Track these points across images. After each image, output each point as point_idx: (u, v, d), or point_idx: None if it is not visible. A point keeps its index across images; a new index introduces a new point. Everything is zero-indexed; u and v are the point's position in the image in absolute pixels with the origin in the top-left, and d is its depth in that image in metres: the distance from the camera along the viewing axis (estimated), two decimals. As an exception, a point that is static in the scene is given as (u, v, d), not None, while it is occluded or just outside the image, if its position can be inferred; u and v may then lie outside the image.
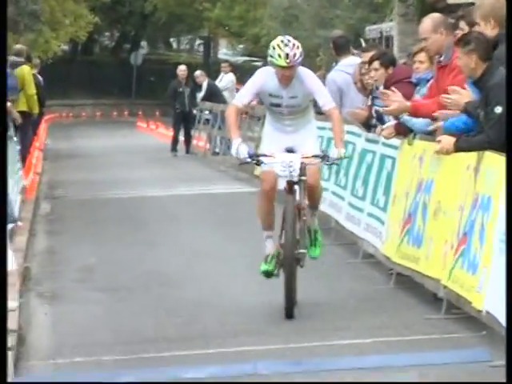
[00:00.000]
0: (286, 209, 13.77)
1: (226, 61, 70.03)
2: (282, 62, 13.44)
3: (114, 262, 23.44)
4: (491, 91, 16.31)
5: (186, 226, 28.01)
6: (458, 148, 16.97)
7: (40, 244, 25.57)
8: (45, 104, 39.94)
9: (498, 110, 15.98)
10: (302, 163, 13.93)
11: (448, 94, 17.98)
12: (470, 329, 16.10)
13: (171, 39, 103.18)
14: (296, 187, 14.10)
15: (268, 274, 14.82)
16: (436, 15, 20.39)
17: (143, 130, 63.67)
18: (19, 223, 19.95)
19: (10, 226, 17.05)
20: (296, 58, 13.43)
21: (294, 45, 13.62)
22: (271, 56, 13.82)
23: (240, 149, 13.44)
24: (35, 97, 37.45)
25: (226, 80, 54.44)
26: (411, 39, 40.45)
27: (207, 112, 50.59)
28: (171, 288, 20.21)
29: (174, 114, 50.89)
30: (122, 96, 78.73)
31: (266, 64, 40.71)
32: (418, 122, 19.74)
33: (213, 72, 57.35)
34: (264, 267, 14.61)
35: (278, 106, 14.17)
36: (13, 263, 18.00)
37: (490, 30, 17.37)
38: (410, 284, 18.93)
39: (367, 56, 24.94)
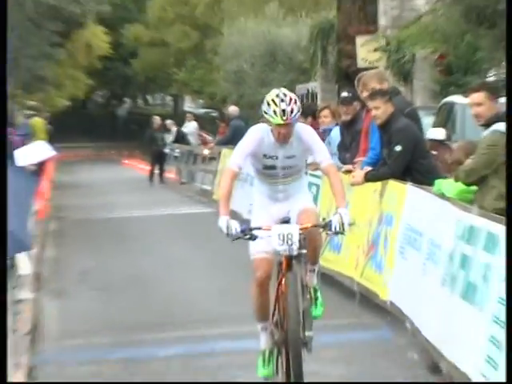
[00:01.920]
0: (288, 288, 11.03)
1: (190, 112, 70.97)
2: (279, 120, 11.04)
3: (105, 267, 23.91)
4: (393, 134, 17.08)
5: (161, 238, 28.50)
6: (368, 179, 17.75)
7: (49, 253, 26.11)
8: (53, 146, 40.63)
9: (398, 148, 16.86)
10: (301, 234, 11.17)
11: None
12: (378, 315, 16.64)
13: (147, 96, 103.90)
14: (295, 263, 11.28)
15: (268, 378, 11.95)
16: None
17: (127, 166, 63.51)
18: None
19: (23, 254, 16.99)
20: (293, 113, 11.09)
21: (290, 99, 11.23)
22: (266, 113, 11.34)
23: (230, 224, 10.94)
24: (45, 135, 38.29)
25: (189, 126, 56.38)
26: (330, 95, 42.17)
27: (176, 151, 51.96)
28: (149, 287, 20.60)
29: (151, 153, 51.98)
30: (111, 140, 79.55)
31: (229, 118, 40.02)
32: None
33: (180, 121, 58.19)
34: (263, 372, 11.82)
35: (273, 168, 11.54)
36: (29, 268, 18.48)
37: (386, 87, 18.35)
38: (331, 281, 18.82)
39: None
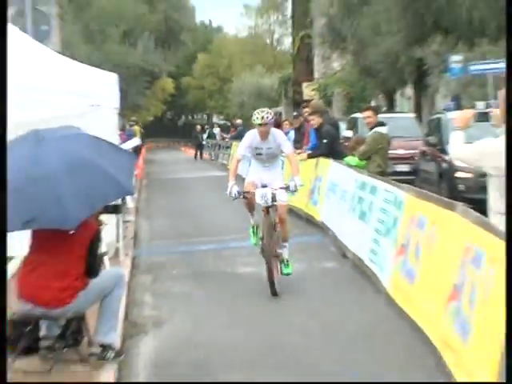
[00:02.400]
0: (264, 225, 11.00)
1: (216, 122, 71.27)
2: (259, 121, 10.97)
3: (171, 204, 23.18)
4: (322, 134, 16.84)
5: (200, 188, 27.64)
6: (309, 157, 17.49)
7: (142, 196, 25.52)
8: (145, 140, 40.60)
9: (325, 141, 16.68)
10: (272, 193, 10.91)
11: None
12: (315, 229, 16.07)
13: (194, 114, 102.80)
14: (270, 210, 11.08)
15: (255, 244, 11.74)
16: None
17: (183, 151, 63.26)
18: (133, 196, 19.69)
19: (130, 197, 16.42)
20: (268, 118, 10.98)
21: (267, 112, 11.12)
22: (254, 120, 11.22)
23: (232, 189, 10.83)
24: (140, 137, 37.56)
25: (215, 130, 55.68)
26: (289, 114, 42.00)
27: (208, 143, 51.73)
28: (194, 214, 19.68)
29: (195, 144, 51.78)
30: (174, 137, 79.23)
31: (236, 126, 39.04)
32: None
33: (210, 127, 58.00)
34: (252, 241, 11.80)
35: (260, 154, 11.41)
36: (132, 203, 18.16)
37: (319, 109, 17.73)
38: (293, 212, 16.82)
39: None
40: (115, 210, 9.02)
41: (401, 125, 23.80)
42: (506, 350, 5.03)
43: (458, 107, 24.62)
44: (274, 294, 10.65)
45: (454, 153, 7.70)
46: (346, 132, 20.47)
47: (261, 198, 10.96)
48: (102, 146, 7.94)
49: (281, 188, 11.13)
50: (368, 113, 14.29)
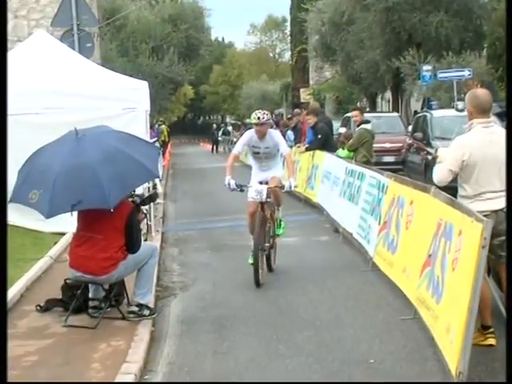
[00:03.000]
0: (257, 218, 9.62)
1: (229, 122, 71.34)
2: (255, 121, 9.78)
3: (193, 188, 22.91)
4: (317, 130, 16.63)
5: (216, 175, 26.19)
6: (307, 150, 17.34)
7: (169, 183, 25.43)
8: (170, 137, 40.48)
9: (319, 136, 16.47)
10: (267, 190, 9.72)
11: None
12: (312, 209, 15.91)
13: (210, 115, 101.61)
14: (265, 206, 9.79)
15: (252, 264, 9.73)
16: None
17: (202, 146, 63.13)
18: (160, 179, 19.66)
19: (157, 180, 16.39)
20: (264, 119, 9.76)
21: (263, 113, 9.88)
22: (251, 120, 10.08)
23: (230, 182, 9.60)
24: (166, 135, 37.68)
25: (229, 128, 55.26)
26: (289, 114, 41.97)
27: (223, 139, 51.50)
28: (213, 197, 19.20)
29: (211, 140, 51.63)
30: (194, 135, 78.50)
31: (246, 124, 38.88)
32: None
33: (225, 126, 57.68)
34: (250, 260, 9.63)
35: (258, 153, 10.08)
36: (161, 189, 17.99)
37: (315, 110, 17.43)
38: (293, 194, 16.49)
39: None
40: (151, 199, 9.17)
41: (387, 122, 24.10)
42: (506, 351, 4.96)
43: (429, 107, 24.77)
44: (258, 283, 9.30)
45: (439, 181, 6.91)
46: (340, 129, 20.33)
47: (255, 193, 9.70)
48: (129, 139, 8.11)
49: (276, 187, 9.94)
50: (355, 112, 14.31)
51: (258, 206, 9.73)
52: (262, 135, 9.99)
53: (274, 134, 10.24)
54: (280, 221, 10.55)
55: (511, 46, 7.70)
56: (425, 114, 19.00)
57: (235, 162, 10.24)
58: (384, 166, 15.75)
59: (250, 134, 10.08)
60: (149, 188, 14.56)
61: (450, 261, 6.21)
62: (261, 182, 9.96)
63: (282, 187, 9.95)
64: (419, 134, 17.56)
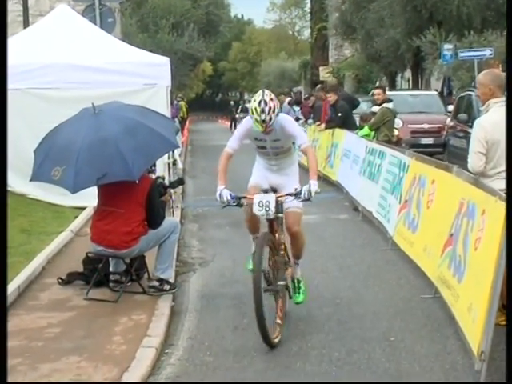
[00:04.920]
0: (258, 245, 6.58)
1: (247, 99, 70.74)
2: (260, 128, 6.77)
3: (211, 165, 23.21)
4: (338, 108, 16.52)
5: (234, 154, 28.15)
6: (326, 128, 17.31)
7: (188, 160, 25.39)
8: (188, 114, 40.31)
9: (340, 114, 16.36)
10: (277, 201, 6.76)
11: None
12: (332, 187, 15.67)
13: (229, 92, 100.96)
14: (274, 224, 6.92)
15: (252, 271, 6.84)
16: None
17: (220, 123, 62.91)
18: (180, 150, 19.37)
19: (177, 156, 16.36)
20: (272, 121, 6.73)
21: (269, 109, 6.65)
22: (251, 116, 6.81)
23: (223, 193, 6.94)
24: (185, 112, 37.03)
25: (247, 105, 54.89)
26: (307, 93, 41.60)
27: (242, 116, 51.37)
28: (232, 172, 20.32)
29: (230, 117, 51.49)
30: (212, 111, 77.62)
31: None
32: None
33: (243, 103, 57.40)
34: (250, 266, 7.23)
35: (264, 148, 7.29)
36: (181, 164, 17.92)
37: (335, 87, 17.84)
38: None
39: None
40: (180, 183, 9.34)
41: (425, 101, 22.53)
42: (506, 351, 4.88)
43: (449, 87, 24.56)
44: (270, 344, 6.29)
45: (473, 167, 6.77)
46: (373, 108, 20.05)
47: (259, 206, 6.61)
48: (145, 112, 8.17)
49: (288, 194, 6.74)
50: (378, 91, 14.18)
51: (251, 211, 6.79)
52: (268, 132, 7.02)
53: (285, 120, 7.00)
54: (299, 281, 7.23)
55: (511, 45, 7.59)
56: (469, 93, 16.98)
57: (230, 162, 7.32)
58: (422, 148, 14.93)
59: (249, 123, 6.99)
60: (169, 164, 14.63)
61: (472, 240, 6.17)
62: (266, 191, 6.79)
63: (297, 194, 6.63)
64: (464, 116, 16.02)
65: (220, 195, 6.86)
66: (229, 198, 6.81)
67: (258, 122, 6.69)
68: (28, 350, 6.06)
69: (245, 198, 6.91)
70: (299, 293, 7.17)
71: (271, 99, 6.64)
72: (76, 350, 6.03)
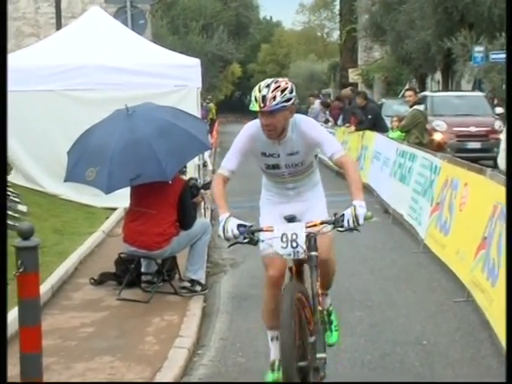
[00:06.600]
0: (283, 299, 4.47)
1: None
2: (255, 107, 4.65)
3: (241, 167, 23.21)
4: (367, 111, 16.59)
5: None
6: (356, 130, 17.20)
7: (217, 161, 23.53)
8: (217, 116, 40.42)
9: (369, 117, 16.40)
10: (309, 234, 4.59)
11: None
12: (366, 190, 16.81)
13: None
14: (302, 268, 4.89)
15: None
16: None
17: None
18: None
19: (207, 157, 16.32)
20: (275, 101, 4.60)
21: (278, 86, 4.64)
22: (252, 106, 4.72)
23: (228, 226, 4.55)
24: (214, 113, 37.59)
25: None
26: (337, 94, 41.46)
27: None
28: (258, 176, 20.31)
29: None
30: (241, 113, 77.99)
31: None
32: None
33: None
34: (271, 377, 4.88)
35: (277, 167, 5.04)
36: (210, 164, 17.75)
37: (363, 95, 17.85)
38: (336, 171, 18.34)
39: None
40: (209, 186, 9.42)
41: (471, 103, 21.41)
42: (506, 351, 4.75)
43: (480, 89, 24.38)
44: None
45: None
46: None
47: (284, 243, 4.63)
48: (177, 113, 8.21)
49: (324, 222, 4.79)
50: (409, 93, 14.14)
51: (285, 265, 5.02)
52: (273, 133, 4.89)
53: (306, 123, 5.01)
54: (329, 314, 5.48)
55: (511, 47, 7.48)
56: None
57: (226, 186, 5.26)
58: (468, 153, 14.09)
59: (252, 128, 5.06)
60: (199, 165, 14.63)
61: (506, 244, 6.09)
62: (291, 219, 4.91)
63: (337, 222, 4.70)
64: None
65: (224, 229, 4.67)
66: (236, 231, 4.65)
67: (256, 100, 4.73)
68: (62, 349, 6.10)
69: (261, 230, 4.77)
70: (331, 329, 5.40)
71: (285, 82, 4.81)
72: (109, 350, 6.07)
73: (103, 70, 12.62)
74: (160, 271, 7.91)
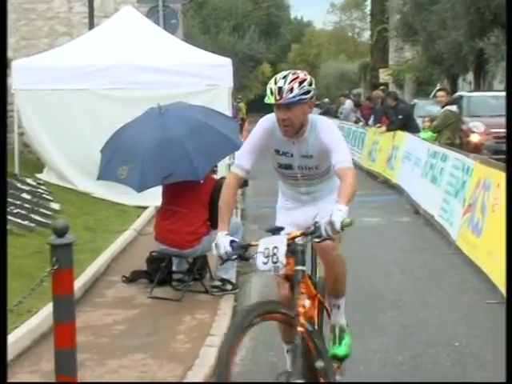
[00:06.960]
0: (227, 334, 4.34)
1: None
2: (271, 99, 4.24)
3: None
4: (398, 111, 16.54)
5: None
6: (387, 130, 17.02)
7: None
8: (248, 115, 40.39)
9: (400, 117, 16.32)
10: (296, 246, 4.13)
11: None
12: (392, 190, 15.69)
13: None
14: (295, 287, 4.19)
15: None
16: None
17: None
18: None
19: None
20: (293, 94, 4.21)
21: (296, 78, 4.29)
22: (268, 99, 4.33)
23: (220, 242, 4.21)
24: (245, 113, 37.27)
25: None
26: (367, 94, 41.23)
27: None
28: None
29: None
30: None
31: (323, 104, 33.74)
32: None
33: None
34: None
35: (289, 167, 4.62)
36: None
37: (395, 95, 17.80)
38: (370, 174, 17.91)
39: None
40: (245, 183, 9.39)
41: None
42: (506, 351, 4.73)
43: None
44: None
45: None
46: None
47: (265, 258, 4.15)
48: (209, 112, 8.27)
49: (303, 234, 4.25)
50: (442, 93, 14.09)
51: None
52: (289, 130, 4.51)
53: (322, 125, 4.58)
54: (342, 330, 5.02)
55: (511, 47, 7.41)
56: None
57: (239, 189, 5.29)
58: (506, 155, 14.11)
59: (266, 125, 4.67)
60: (229, 165, 14.65)
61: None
62: (276, 231, 4.41)
63: (313, 232, 4.14)
64: None
65: (216, 246, 4.34)
66: (228, 249, 4.29)
67: (271, 92, 4.36)
68: (95, 345, 6.15)
69: (249, 245, 4.42)
70: (340, 343, 4.94)
71: (304, 74, 4.49)
72: (141, 348, 6.10)
73: (136, 69, 12.74)
74: (191, 270, 7.93)
